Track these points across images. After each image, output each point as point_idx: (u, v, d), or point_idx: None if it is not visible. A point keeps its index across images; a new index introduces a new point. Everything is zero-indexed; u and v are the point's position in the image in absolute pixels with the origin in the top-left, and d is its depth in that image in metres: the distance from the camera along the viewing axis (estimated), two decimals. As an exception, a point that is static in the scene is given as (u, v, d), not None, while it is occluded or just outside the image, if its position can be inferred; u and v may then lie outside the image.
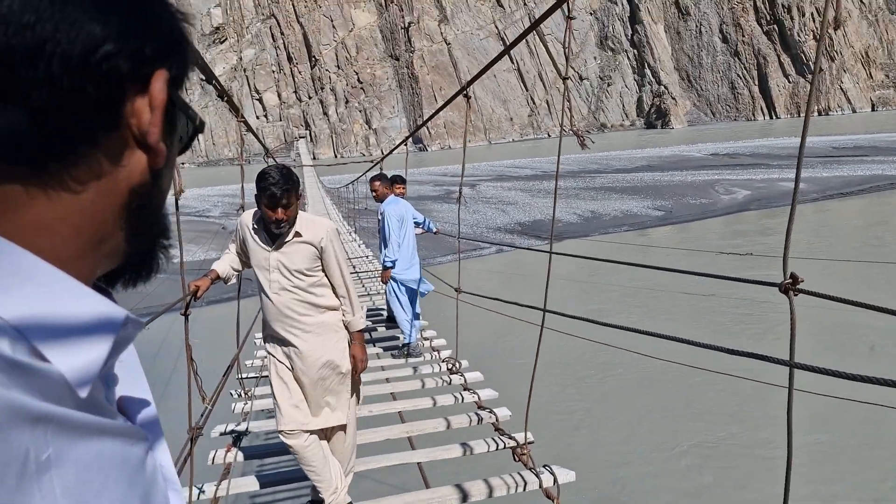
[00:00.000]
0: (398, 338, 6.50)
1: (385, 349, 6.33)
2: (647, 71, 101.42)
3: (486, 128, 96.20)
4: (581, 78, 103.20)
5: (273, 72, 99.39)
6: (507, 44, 3.13)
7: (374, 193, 6.32)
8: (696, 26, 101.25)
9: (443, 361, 5.63)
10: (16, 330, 0.34)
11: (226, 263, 3.36)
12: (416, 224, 6.58)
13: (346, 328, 3.14)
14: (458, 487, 3.32)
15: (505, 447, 3.78)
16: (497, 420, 4.21)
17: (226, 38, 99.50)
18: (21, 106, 0.37)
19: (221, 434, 4.17)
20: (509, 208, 28.65)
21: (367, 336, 6.66)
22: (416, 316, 6.23)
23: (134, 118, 0.41)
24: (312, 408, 3.10)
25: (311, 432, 3.08)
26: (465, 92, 3.92)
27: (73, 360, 0.35)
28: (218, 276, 3.34)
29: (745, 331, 11.47)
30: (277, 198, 2.81)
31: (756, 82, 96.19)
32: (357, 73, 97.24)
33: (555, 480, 3.30)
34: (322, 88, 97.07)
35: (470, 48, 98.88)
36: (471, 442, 3.86)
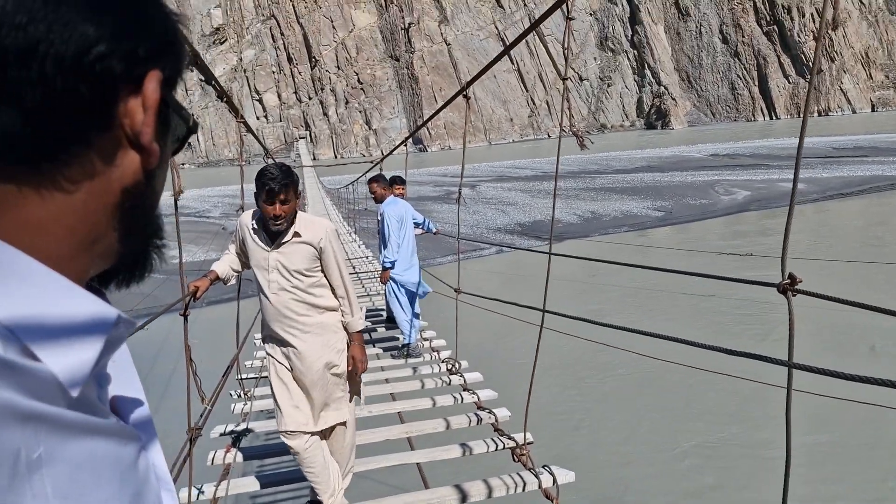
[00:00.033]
0: (398, 338, 6.50)
1: (385, 350, 6.33)
2: (647, 72, 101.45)
3: (486, 128, 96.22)
4: (581, 78, 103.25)
5: (273, 72, 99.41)
6: (508, 44, 3.13)
7: (372, 195, 6.33)
8: (696, 27, 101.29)
9: (442, 362, 5.63)
10: (7, 329, 0.34)
11: (225, 264, 3.36)
12: (416, 224, 6.59)
13: (345, 329, 3.14)
14: (457, 488, 3.32)
15: (504, 448, 3.77)
16: (496, 420, 4.21)
17: (226, 39, 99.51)
18: (14, 106, 0.37)
19: (221, 435, 4.17)
20: (509, 209, 28.65)
21: (366, 336, 6.66)
22: (415, 316, 6.23)
23: (127, 118, 0.41)
24: (312, 409, 3.10)
25: (313, 433, 3.09)
26: (464, 92, 3.93)
27: (65, 360, 0.35)
28: (217, 276, 3.34)
29: (747, 331, 11.47)
30: (275, 192, 2.81)
31: (756, 83, 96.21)
32: (357, 74, 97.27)
33: (554, 481, 3.30)
34: (322, 89, 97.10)
35: (470, 49, 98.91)
36: (470, 442, 3.85)
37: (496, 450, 3.80)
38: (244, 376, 5.24)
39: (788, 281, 1.62)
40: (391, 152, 11.02)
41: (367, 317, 7.56)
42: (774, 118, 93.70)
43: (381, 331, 7.07)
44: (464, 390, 4.86)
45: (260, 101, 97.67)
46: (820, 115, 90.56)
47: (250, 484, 3.56)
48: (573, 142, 3.39)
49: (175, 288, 3.11)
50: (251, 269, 3.13)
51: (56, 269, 0.37)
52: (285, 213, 2.87)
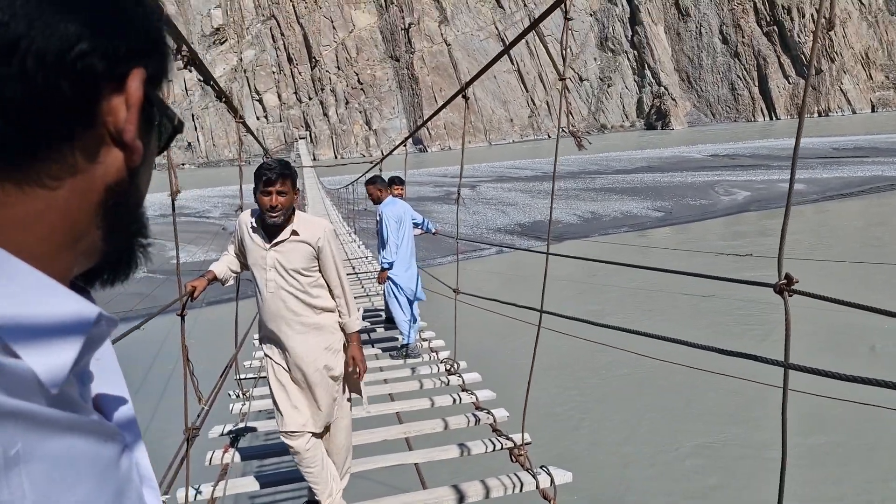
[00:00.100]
0: (397, 339, 6.50)
1: (384, 350, 6.33)
2: (647, 72, 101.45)
3: (486, 129, 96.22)
4: (581, 79, 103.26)
5: (273, 73, 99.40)
6: (507, 45, 3.14)
7: (370, 197, 6.34)
8: (696, 27, 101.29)
9: (441, 362, 5.63)
10: None
11: (224, 264, 3.35)
12: (415, 225, 6.59)
13: (342, 330, 3.14)
14: (455, 488, 3.32)
15: (502, 448, 3.77)
16: (495, 421, 4.21)
17: (226, 39, 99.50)
18: None
19: (220, 435, 4.17)
20: (509, 209, 28.65)
21: (365, 337, 6.66)
22: (414, 317, 6.23)
23: (110, 116, 0.41)
24: (310, 409, 3.10)
25: (312, 434, 3.08)
26: (464, 93, 3.93)
27: (45, 357, 0.35)
28: (215, 276, 3.33)
29: (747, 332, 11.46)
30: (272, 181, 2.82)
31: (756, 83, 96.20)
32: (357, 74, 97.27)
33: (552, 481, 3.30)
34: (322, 89, 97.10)
35: (470, 49, 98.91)
36: (468, 443, 3.86)
37: (494, 450, 3.80)
38: (243, 377, 5.25)
39: (785, 281, 1.61)
40: (391, 152, 11.02)
41: (366, 317, 7.57)
42: (774, 118, 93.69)
43: (381, 331, 7.08)
44: (462, 390, 4.86)
45: (260, 101, 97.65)
46: (820, 115, 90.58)
47: (248, 484, 3.56)
48: (573, 142, 3.38)
49: (173, 289, 3.11)
50: (250, 270, 3.13)
51: (39, 267, 0.37)
52: (282, 206, 2.87)
